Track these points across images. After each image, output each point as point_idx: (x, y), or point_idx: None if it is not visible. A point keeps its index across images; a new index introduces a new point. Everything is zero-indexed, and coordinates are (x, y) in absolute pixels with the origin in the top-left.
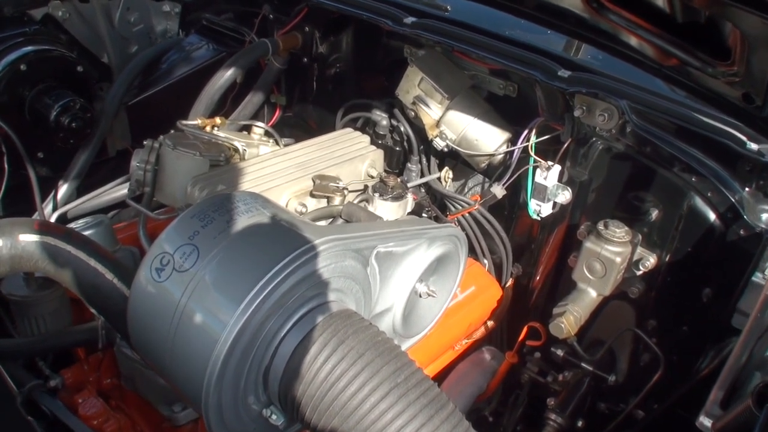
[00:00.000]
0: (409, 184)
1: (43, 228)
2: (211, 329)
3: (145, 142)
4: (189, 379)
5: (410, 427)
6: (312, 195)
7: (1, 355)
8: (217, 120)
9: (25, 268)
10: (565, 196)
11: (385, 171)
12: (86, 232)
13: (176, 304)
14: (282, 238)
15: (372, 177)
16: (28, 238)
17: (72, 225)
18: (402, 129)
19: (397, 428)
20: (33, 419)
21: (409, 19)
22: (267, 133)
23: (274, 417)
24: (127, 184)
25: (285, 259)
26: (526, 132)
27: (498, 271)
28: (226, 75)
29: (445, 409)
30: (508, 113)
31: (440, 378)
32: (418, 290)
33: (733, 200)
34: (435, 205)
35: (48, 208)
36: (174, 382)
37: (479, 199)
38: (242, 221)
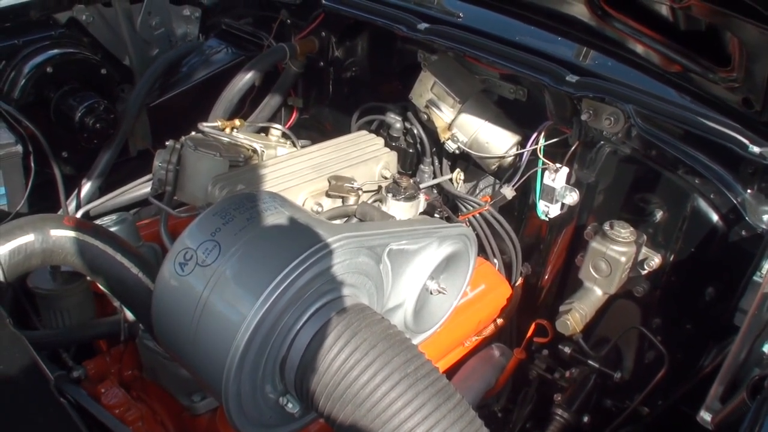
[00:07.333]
0: (421, 185)
1: (73, 223)
2: (231, 321)
3: (167, 143)
4: (210, 369)
5: (419, 414)
6: (328, 195)
7: None
8: (236, 122)
9: (56, 261)
10: (572, 197)
11: (399, 172)
12: (111, 229)
13: (198, 297)
14: (299, 235)
15: (386, 178)
16: (59, 233)
17: (97, 222)
18: (415, 131)
19: (406, 416)
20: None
21: (423, 25)
22: (284, 135)
23: (290, 405)
24: (148, 183)
25: (302, 255)
26: (535, 135)
27: (508, 271)
28: (245, 78)
29: (452, 399)
30: (517, 117)
31: (450, 373)
32: (428, 287)
33: (735, 202)
34: (447, 206)
35: (72, 205)
36: (195, 372)
37: (490, 200)
38: (261, 219)
